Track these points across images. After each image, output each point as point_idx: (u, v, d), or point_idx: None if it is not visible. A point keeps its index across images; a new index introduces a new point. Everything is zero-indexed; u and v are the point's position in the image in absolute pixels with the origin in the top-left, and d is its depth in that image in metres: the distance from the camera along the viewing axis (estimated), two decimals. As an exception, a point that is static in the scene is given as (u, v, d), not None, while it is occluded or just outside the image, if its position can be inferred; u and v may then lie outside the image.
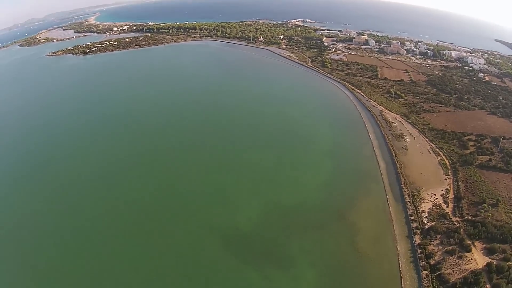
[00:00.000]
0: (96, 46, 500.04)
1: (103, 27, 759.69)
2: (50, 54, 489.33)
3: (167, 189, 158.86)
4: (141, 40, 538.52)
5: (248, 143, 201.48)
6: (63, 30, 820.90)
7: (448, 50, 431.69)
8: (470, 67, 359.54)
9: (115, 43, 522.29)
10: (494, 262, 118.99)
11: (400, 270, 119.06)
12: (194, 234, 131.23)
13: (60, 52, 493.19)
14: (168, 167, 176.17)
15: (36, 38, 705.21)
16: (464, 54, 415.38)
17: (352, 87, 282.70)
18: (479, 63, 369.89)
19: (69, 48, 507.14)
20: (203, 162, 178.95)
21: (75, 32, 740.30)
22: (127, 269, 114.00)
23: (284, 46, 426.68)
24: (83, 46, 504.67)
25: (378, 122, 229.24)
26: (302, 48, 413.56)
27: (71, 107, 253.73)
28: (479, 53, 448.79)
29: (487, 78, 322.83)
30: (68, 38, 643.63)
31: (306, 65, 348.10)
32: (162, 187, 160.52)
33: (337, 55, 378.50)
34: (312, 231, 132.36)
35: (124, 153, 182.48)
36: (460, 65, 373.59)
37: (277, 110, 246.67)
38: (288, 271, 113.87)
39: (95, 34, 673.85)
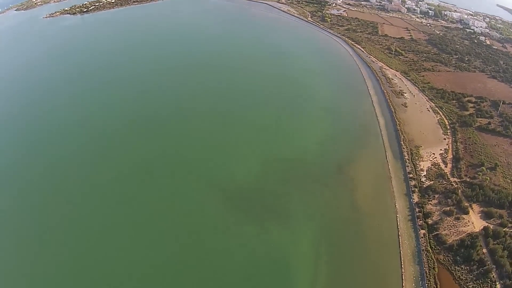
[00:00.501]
0: (94, 5, 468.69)
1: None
2: (47, 15, 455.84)
3: (167, 146, 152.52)
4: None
5: (247, 99, 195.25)
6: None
7: (450, 11, 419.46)
8: (472, 29, 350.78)
9: (113, 0, 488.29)
10: (491, 227, 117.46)
11: (398, 228, 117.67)
12: (194, 189, 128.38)
13: (57, 13, 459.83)
14: (168, 125, 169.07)
15: (32, 1, 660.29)
16: (466, 16, 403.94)
17: (352, 42, 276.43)
18: (481, 26, 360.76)
19: (66, 8, 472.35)
20: (203, 119, 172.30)
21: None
22: (128, 225, 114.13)
23: (283, 0, 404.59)
24: (80, 6, 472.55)
25: (378, 78, 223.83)
26: (301, 3, 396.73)
27: (69, 69, 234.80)
28: (480, 16, 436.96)
29: (488, 42, 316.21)
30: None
31: (306, 20, 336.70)
32: (163, 144, 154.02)
33: (337, 11, 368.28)
34: (311, 185, 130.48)
35: (125, 113, 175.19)
36: (462, 27, 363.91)
37: (277, 65, 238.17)
38: (287, 225, 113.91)
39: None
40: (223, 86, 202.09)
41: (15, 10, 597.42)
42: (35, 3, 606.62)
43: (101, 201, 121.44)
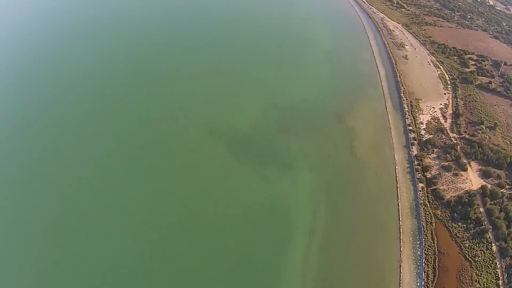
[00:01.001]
0: None
1: None
2: None
3: (168, 96, 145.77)
4: None
5: (247, 48, 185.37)
6: None
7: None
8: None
9: None
10: (489, 186, 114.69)
11: (397, 180, 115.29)
12: (194, 136, 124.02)
13: None
14: (168, 76, 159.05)
15: None
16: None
17: None
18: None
19: None
20: (203, 69, 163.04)
21: None
22: (129, 172, 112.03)
23: None
24: None
25: (379, 29, 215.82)
26: None
27: (63, 28, 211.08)
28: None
29: (491, 2, 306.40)
30: None
31: None
32: (163, 94, 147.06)
33: None
34: (310, 134, 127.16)
35: (124, 67, 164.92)
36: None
37: (276, 15, 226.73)
38: (286, 173, 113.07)
39: None
40: (221, 37, 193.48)
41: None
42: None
43: (102, 151, 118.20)
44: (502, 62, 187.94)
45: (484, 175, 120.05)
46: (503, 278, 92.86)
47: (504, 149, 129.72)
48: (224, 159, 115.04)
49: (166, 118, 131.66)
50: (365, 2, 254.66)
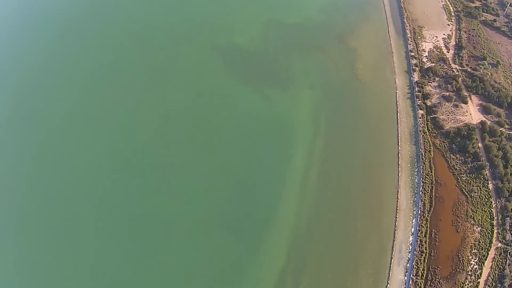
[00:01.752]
0: None
1: None
2: None
3: (167, 7, 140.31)
4: None
5: None
6: None
7: None
8: None
9: None
10: (488, 123, 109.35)
11: (397, 104, 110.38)
12: (195, 52, 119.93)
13: None
14: None
15: None
16: None
17: None
18: None
19: None
20: None
21: None
22: (131, 89, 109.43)
23: None
24: None
25: None
26: None
27: None
28: None
29: None
30: None
31: None
32: (163, 5, 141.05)
33: None
34: (312, 52, 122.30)
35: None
36: None
37: None
38: (287, 91, 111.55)
39: None
40: None
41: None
42: None
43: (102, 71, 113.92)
44: (508, 3, 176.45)
45: (484, 110, 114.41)
46: (498, 218, 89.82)
47: (506, 88, 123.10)
48: (225, 77, 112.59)
49: (165, 30, 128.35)
50: None
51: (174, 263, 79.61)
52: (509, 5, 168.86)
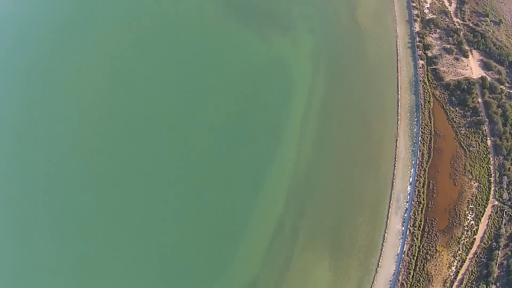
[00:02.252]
0: None
1: None
2: None
3: None
4: None
5: None
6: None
7: None
8: None
9: None
10: (488, 79, 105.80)
11: (397, 53, 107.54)
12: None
13: None
14: None
15: None
16: None
17: None
18: None
19: None
20: None
21: None
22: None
23: None
24: None
25: None
26: None
27: None
28: None
29: None
30: None
31: None
32: None
33: None
34: None
35: None
36: None
37: None
38: (286, 35, 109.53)
39: None
40: None
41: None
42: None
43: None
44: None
45: (485, 66, 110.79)
46: (495, 176, 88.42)
47: (507, 47, 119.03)
48: (225, 20, 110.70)
49: None
50: None
51: (178, 208, 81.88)
52: None
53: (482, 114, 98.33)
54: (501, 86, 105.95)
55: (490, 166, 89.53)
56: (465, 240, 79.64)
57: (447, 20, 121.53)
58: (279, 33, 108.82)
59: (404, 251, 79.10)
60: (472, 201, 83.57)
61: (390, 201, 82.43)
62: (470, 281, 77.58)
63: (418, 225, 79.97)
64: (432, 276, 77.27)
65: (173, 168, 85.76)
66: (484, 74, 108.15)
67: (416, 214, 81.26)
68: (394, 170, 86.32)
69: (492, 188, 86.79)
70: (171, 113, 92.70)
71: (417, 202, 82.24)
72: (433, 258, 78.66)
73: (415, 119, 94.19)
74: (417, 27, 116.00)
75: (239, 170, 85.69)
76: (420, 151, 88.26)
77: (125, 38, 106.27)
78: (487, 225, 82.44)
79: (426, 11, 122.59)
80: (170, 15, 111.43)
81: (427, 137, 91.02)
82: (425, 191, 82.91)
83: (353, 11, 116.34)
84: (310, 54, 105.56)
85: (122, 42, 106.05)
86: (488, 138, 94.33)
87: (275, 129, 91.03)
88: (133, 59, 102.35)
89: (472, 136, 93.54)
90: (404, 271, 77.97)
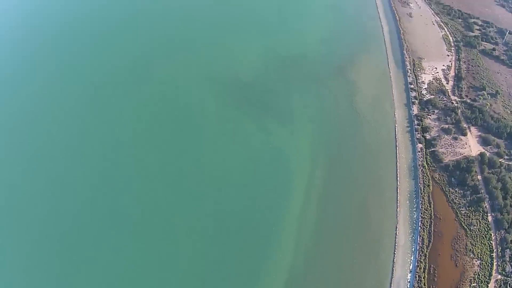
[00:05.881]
0: None
1: None
2: None
3: (169, 36, 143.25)
4: None
5: None
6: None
7: None
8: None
9: None
10: (487, 154, 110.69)
11: (396, 138, 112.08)
12: (194, 81, 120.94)
13: None
14: (170, 16, 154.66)
15: None
16: None
17: None
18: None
19: None
20: (205, 10, 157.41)
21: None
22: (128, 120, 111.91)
23: None
24: None
25: None
26: None
27: None
28: None
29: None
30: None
31: None
32: (164, 35, 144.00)
33: None
34: (311, 85, 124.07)
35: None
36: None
37: None
38: (286, 124, 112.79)
39: None
40: None
41: None
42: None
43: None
44: (507, 31, 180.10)
45: (484, 142, 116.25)
46: (497, 251, 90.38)
47: (505, 118, 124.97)
48: (225, 108, 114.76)
49: (164, 58, 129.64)
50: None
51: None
52: (508, 33, 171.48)
53: (482, 191, 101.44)
54: (500, 160, 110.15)
55: (491, 241, 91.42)
56: (469, 319, 79.07)
57: (445, 99, 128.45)
58: (278, 122, 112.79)
59: (408, 338, 79.32)
60: (475, 279, 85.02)
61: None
62: None
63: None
64: None
65: (168, 261, 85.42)
66: (483, 150, 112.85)
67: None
68: (394, 258, 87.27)
69: (495, 263, 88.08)
70: (169, 202, 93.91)
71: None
72: None
73: (415, 205, 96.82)
74: (415, 109, 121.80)
75: (235, 262, 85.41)
76: (420, 236, 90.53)
77: (121, 132, 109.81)
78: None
79: (424, 92, 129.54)
80: (168, 102, 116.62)
81: (427, 221, 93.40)
82: (426, 276, 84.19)
83: (352, 98, 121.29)
84: (309, 144, 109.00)
85: (119, 127, 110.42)
86: (489, 214, 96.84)
87: (273, 220, 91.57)
88: (130, 151, 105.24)
89: (472, 215, 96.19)
90: None
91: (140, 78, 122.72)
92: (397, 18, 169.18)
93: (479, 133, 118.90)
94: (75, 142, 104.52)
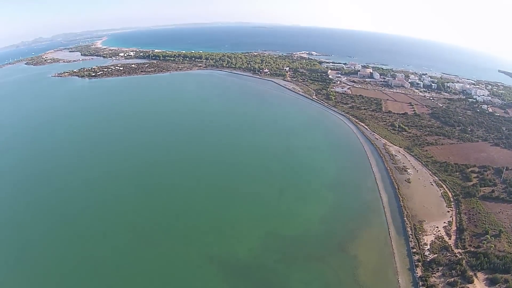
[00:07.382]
0: (102, 70, 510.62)
1: (110, 51, 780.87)
2: (56, 74, 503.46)
3: (168, 217, 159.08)
4: (147, 67, 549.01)
5: (250, 174, 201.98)
6: (70, 51, 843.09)
7: (452, 83, 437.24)
8: (474, 99, 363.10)
9: (121, 68, 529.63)
10: None
11: None
12: (193, 263, 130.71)
13: (66, 73, 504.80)
14: (170, 195, 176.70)
15: (42, 58, 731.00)
16: (468, 86, 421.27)
17: (356, 120, 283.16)
18: (483, 95, 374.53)
19: (75, 70, 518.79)
20: (205, 191, 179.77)
21: (81, 54, 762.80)
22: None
23: (289, 78, 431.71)
24: (89, 70, 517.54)
25: (381, 155, 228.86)
26: (307, 81, 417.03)
27: (71, 128, 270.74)
28: (483, 84, 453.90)
29: (490, 110, 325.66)
30: (74, 60, 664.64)
31: (311, 98, 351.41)
32: (163, 215, 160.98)
33: (342, 88, 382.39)
34: (312, 264, 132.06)
35: (126, 182, 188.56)
36: (464, 97, 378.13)
37: (281, 142, 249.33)
38: None
39: (102, 58, 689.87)
40: (225, 159, 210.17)
41: (25, 64, 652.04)
42: (45, 60, 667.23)
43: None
44: (503, 168, 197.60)
45: (491, 282, 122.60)
46: None
47: (510, 253, 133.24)
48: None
49: (163, 238, 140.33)
50: (368, 128, 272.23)
51: None
52: (505, 170, 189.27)
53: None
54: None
55: None
56: None
57: (448, 254, 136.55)
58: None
59: None
60: None
61: None
62: None
63: None
64: None
65: None
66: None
67: None
68: None
69: None
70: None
71: None
72: None
73: None
74: (419, 271, 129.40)
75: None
76: None
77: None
78: None
79: (427, 253, 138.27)
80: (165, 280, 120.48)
81: None
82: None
83: (353, 272, 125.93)
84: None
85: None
86: None
87: None
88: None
89: None
90: None
91: (137, 253, 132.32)
92: (396, 187, 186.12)
93: (486, 276, 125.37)
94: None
